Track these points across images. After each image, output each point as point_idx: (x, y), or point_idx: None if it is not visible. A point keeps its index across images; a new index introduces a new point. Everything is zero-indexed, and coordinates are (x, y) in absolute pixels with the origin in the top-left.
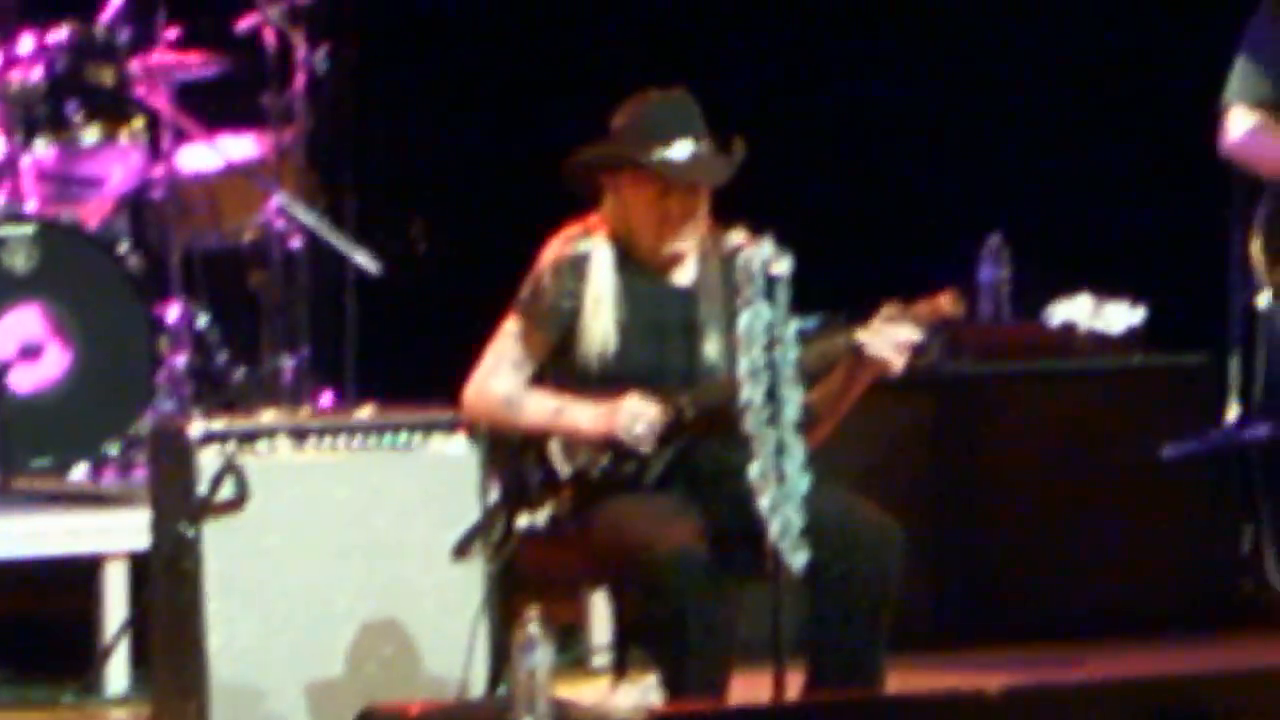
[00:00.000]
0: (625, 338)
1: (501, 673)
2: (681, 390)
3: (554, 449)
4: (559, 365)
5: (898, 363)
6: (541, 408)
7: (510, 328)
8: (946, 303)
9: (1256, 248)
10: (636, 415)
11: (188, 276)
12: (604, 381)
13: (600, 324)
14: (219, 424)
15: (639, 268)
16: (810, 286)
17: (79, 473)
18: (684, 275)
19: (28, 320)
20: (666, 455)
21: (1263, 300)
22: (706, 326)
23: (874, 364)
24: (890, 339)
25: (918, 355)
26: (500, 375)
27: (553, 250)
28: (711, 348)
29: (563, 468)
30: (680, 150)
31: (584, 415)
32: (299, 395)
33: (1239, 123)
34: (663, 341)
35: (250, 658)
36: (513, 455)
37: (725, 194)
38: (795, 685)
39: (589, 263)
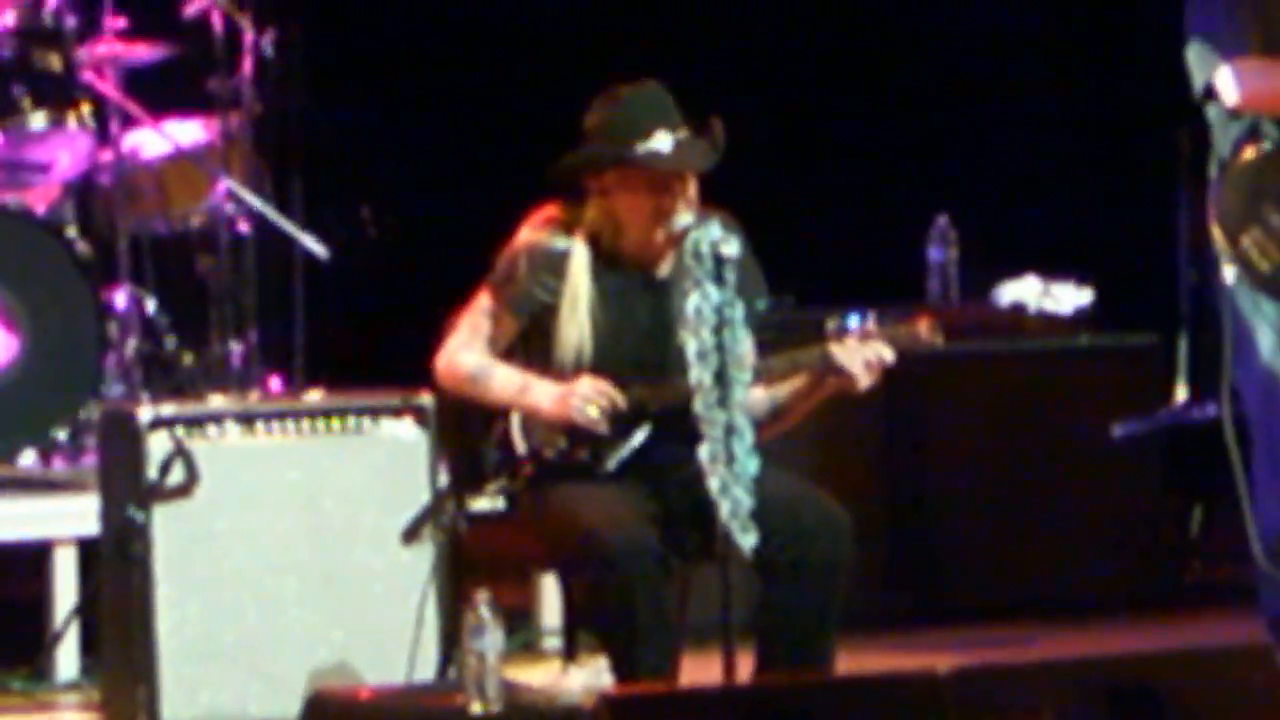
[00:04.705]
0: (600, 340)
1: (451, 656)
2: (654, 385)
3: (515, 426)
4: (532, 350)
5: (864, 380)
6: (507, 383)
7: (483, 303)
8: (925, 329)
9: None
10: (589, 396)
11: (136, 262)
12: (579, 375)
13: (575, 326)
14: (168, 409)
15: (617, 266)
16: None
17: (28, 458)
18: (662, 269)
19: None
20: (625, 449)
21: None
22: (679, 319)
23: (842, 377)
24: (861, 356)
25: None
26: (470, 348)
27: (531, 233)
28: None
29: (520, 445)
30: (663, 141)
31: (545, 394)
32: (248, 380)
33: (1240, 72)
34: (638, 339)
35: (199, 643)
36: (467, 436)
37: None
38: (745, 668)
39: (568, 261)
